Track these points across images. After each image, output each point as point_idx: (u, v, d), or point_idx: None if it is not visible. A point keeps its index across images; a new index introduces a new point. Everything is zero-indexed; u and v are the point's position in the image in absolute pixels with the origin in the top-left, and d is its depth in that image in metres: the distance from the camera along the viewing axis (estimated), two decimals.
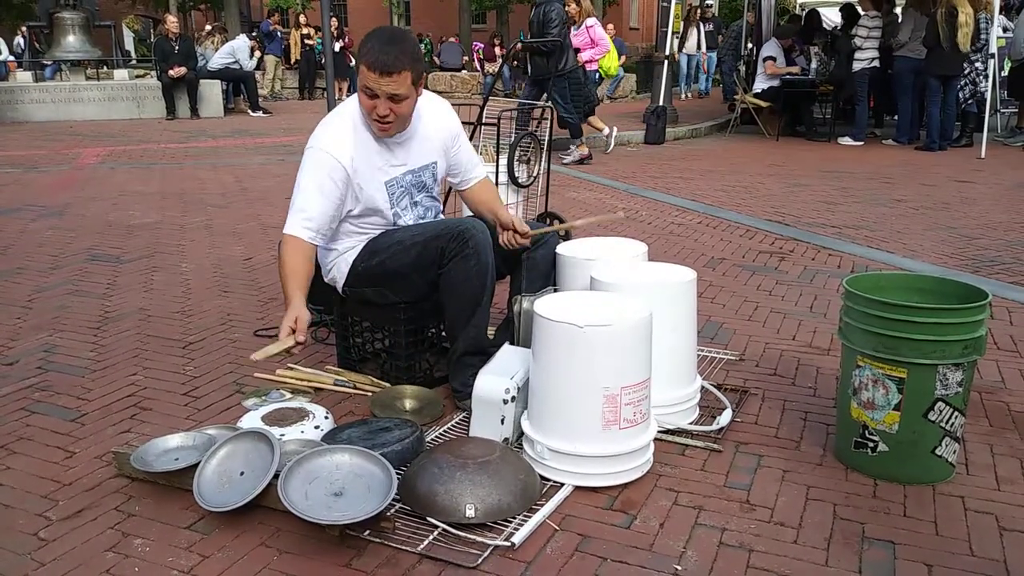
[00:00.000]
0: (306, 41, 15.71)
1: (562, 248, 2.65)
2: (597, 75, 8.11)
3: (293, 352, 2.20)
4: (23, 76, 13.08)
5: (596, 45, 8.06)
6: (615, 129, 8.66)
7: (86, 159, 8.31)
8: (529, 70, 7.71)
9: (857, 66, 9.09)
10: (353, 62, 15.58)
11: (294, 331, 2.16)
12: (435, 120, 2.62)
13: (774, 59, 9.99)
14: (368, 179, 2.47)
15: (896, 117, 9.65)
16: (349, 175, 2.42)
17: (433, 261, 2.43)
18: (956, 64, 8.47)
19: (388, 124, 2.40)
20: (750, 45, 12.72)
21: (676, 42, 12.99)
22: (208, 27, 17.63)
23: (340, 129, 2.47)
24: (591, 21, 8.09)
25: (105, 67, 13.86)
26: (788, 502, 2.03)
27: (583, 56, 7.85)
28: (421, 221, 2.63)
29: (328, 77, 8.64)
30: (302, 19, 16.45)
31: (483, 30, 24.92)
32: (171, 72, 11.86)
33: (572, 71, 7.42)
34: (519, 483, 1.96)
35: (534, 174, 4.00)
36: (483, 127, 4.02)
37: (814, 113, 10.50)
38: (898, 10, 9.91)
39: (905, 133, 9.28)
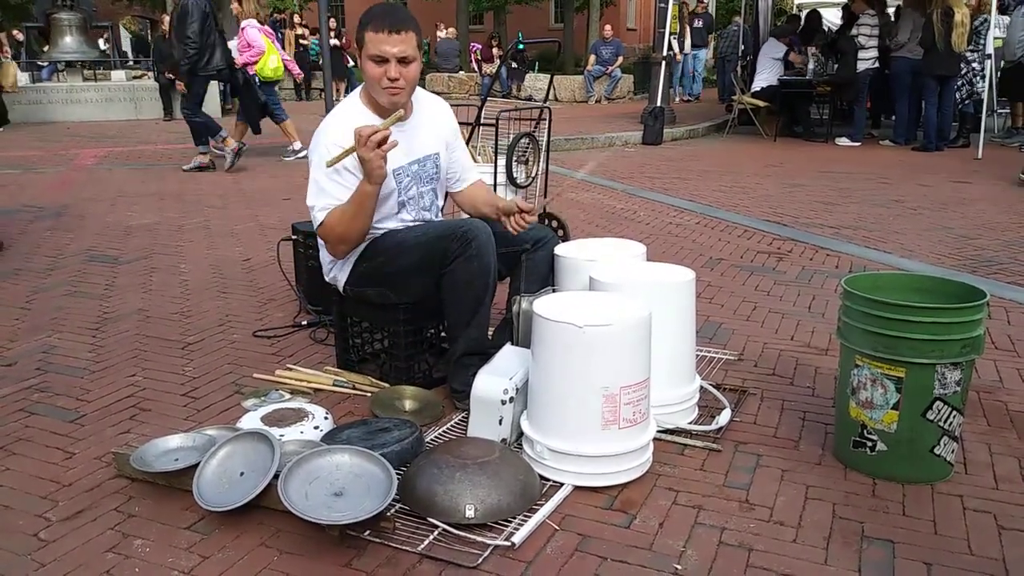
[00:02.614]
0: (300, 41, 15.68)
1: (561, 249, 2.66)
2: (257, 79, 8.03)
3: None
4: (20, 77, 13.06)
5: (250, 48, 7.98)
6: (243, 146, 7.96)
7: (84, 160, 8.31)
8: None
9: (861, 66, 9.09)
10: (351, 63, 15.58)
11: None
12: (436, 114, 2.68)
13: (789, 52, 10.06)
14: None
15: (893, 118, 9.67)
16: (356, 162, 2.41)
17: (436, 261, 2.43)
18: (952, 64, 8.49)
19: (400, 89, 2.41)
20: (742, 47, 12.73)
21: (676, 43, 13.00)
22: None
23: (343, 122, 2.48)
24: (247, 23, 7.99)
25: (102, 68, 13.86)
26: (787, 501, 2.03)
27: (239, 59, 7.82)
28: (424, 218, 2.65)
29: (326, 78, 8.65)
30: (296, 19, 16.42)
31: (481, 31, 24.94)
32: (168, 73, 11.84)
33: (219, 71, 7.39)
34: (519, 483, 1.96)
35: (532, 175, 4.00)
36: (481, 127, 4.02)
37: (811, 114, 10.51)
38: (890, 10, 9.93)
39: (902, 133, 9.29)
